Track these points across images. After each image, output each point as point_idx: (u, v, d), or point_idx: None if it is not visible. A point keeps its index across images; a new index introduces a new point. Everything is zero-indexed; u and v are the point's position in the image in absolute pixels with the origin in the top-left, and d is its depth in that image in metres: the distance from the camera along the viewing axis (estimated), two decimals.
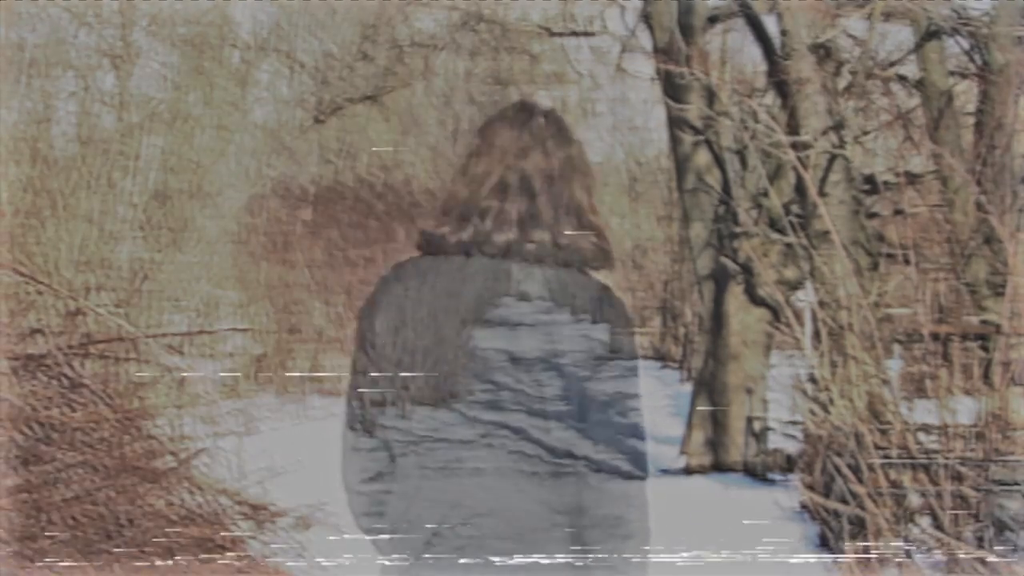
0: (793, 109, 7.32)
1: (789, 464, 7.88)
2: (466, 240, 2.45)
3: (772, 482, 7.93)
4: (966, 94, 8.52)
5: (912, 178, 8.13)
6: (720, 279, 8.41)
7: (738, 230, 8.10)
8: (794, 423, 7.46)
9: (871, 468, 5.72)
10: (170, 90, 11.38)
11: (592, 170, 2.48)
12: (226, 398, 9.43)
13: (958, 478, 5.60)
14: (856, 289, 6.39)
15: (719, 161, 8.32)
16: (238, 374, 10.58)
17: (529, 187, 2.42)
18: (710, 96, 8.15)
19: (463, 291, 2.49)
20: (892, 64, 8.29)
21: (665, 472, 8.23)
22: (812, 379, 6.46)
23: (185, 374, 6.95)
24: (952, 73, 8.11)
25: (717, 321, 8.43)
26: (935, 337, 6.24)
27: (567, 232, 2.42)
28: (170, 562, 5.15)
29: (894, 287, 6.94)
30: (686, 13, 8.23)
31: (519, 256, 2.44)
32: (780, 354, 8.35)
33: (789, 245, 7.64)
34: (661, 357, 12.70)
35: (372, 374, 2.55)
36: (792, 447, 7.77)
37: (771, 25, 7.90)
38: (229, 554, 5.39)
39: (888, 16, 7.76)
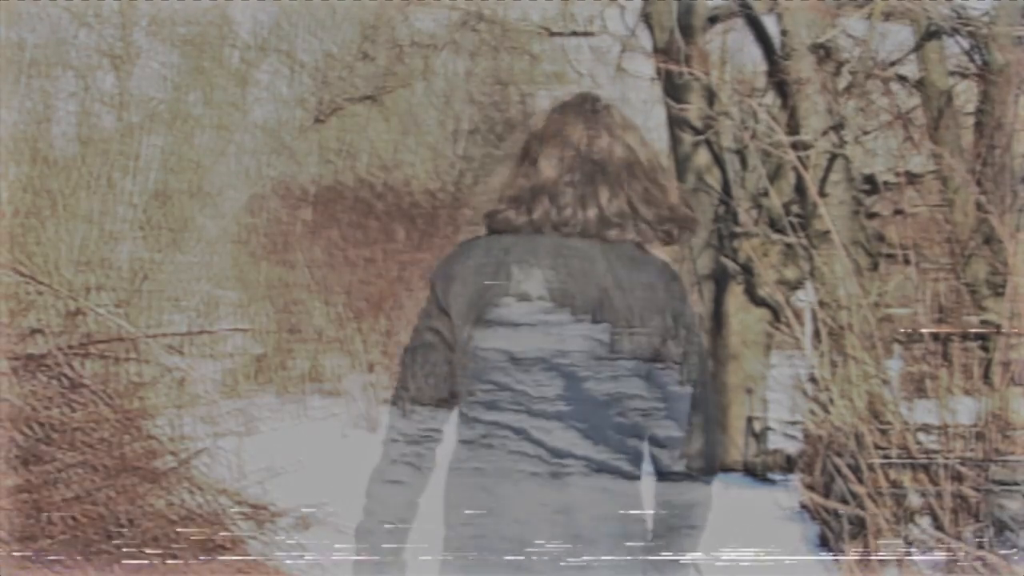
0: (793, 109, 7.32)
1: (789, 464, 7.88)
2: (537, 219, 2.48)
3: (772, 482, 7.93)
4: (966, 94, 8.52)
5: (912, 178, 8.13)
6: (720, 279, 8.42)
7: (738, 230, 8.10)
8: (794, 423, 7.47)
9: (871, 468, 5.72)
10: (170, 90, 11.38)
11: (657, 152, 2.54)
12: (226, 398, 9.43)
13: (958, 478, 5.60)
14: (856, 289, 6.39)
15: (719, 161, 8.32)
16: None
17: (604, 169, 2.47)
18: (710, 96, 8.15)
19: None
20: (892, 64, 8.29)
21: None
22: (812, 379, 6.46)
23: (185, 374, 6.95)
24: (952, 73, 8.10)
25: (717, 321, 8.44)
26: (935, 337, 6.24)
27: (672, 202, 2.48)
28: (170, 562, 5.15)
29: (894, 287, 6.94)
30: (686, 13, 8.23)
31: (598, 235, 2.47)
32: (780, 354, 8.35)
33: (789, 245, 7.64)
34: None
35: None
36: (792, 447, 7.78)
37: (771, 25, 7.90)
38: (229, 554, 5.39)
39: (888, 16, 7.75)
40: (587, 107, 2.55)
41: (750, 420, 8.24)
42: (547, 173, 2.48)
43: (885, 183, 7.89)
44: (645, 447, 2.80)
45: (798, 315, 6.96)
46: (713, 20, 8.65)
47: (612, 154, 2.48)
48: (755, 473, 8.12)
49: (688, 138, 8.30)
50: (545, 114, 2.58)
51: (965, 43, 7.94)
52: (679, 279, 2.53)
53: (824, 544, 6.23)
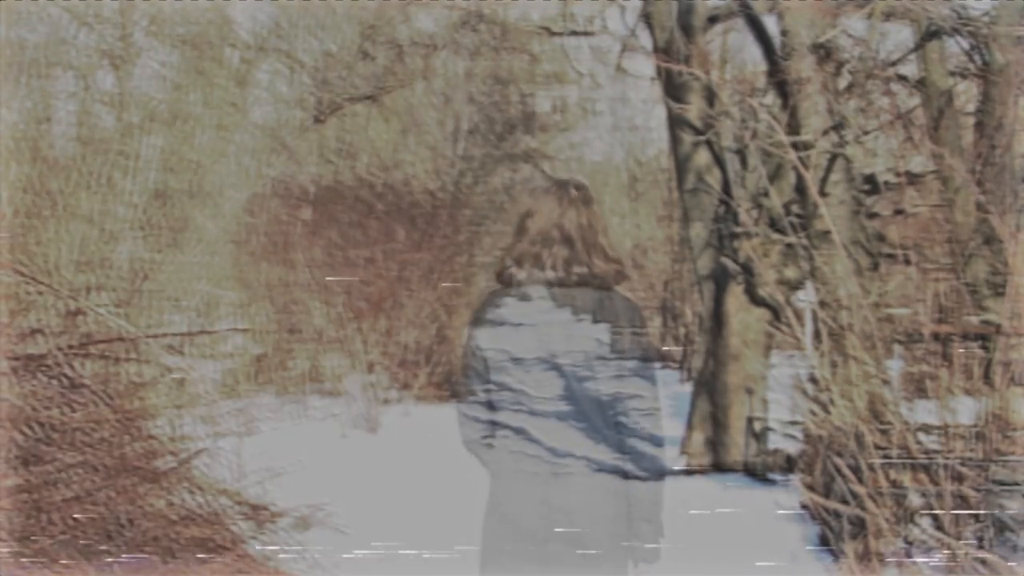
0: (793, 109, 7.32)
1: (789, 464, 7.88)
2: (527, 276, 3.27)
3: (772, 482, 7.93)
4: (966, 94, 8.52)
5: (912, 178, 8.13)
6: (720, 279, 8.41)
7: (738, 230, 8.09)
8: (794, 423, 7.46)
9: (871, 468, 5.72)
10: (170, 90, 11.38)
11: (605, 222, 3.47)
12: (226, 398, 9.43)
13: (958, 478, 5.60)
14: (856, 289, 6.39)
15: (719, 161, 8.31)
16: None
17: (568, 237, 3.32)
18: (710, 96, 8.15)
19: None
20: (892, 64, 8.29)
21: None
22: (812, 379, 6.46)
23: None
24: (952, 73, 8.10)
25: (717, 321, 8.43)
26: (935, 337, 6.24)
27: (597, 264, 3.33)
28: (170, 562, 5.15)
29: (894, 287, 6.93)
30: (686, 13, 8.23)
31: (564, 285, 3.21)
32: (780, 354, 8.35)
33: (789, 245, 7.63)
34: (661, 357, 12.72)
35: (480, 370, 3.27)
36: (792, 447, 7.77)
37: (771, 25, 7.90)
38: (229, 554, 5.38)
39: (888, 16, 7.75)
40: (559, 191, 3.44)
41: (750, 420, 8.24)
42: (532, 242, 3.34)
43: (885, 183, 7.88)
44: (645, 446, 2.82)
45: (798, 315, 6.96)
46: (713, 20, 8.65)
47: (577, 225, 3.38)
48: (755, 473, 8.12)
49: (688, 138, 8.29)
50: (533, 195, 3.46)
51: (965, 43, 7.94)
52: (638, 308, 3.34)
53: (824, 544, 6.23)
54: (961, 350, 6.23)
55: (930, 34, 7.80)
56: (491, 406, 2.84)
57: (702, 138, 8.20)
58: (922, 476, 5.71)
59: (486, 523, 3.01)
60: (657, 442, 2.97)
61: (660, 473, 3.04)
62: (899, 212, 7.95)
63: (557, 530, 2.78)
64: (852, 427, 5.82)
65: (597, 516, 2.81)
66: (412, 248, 10.94)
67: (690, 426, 8.52)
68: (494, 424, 3.00)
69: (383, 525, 6.37)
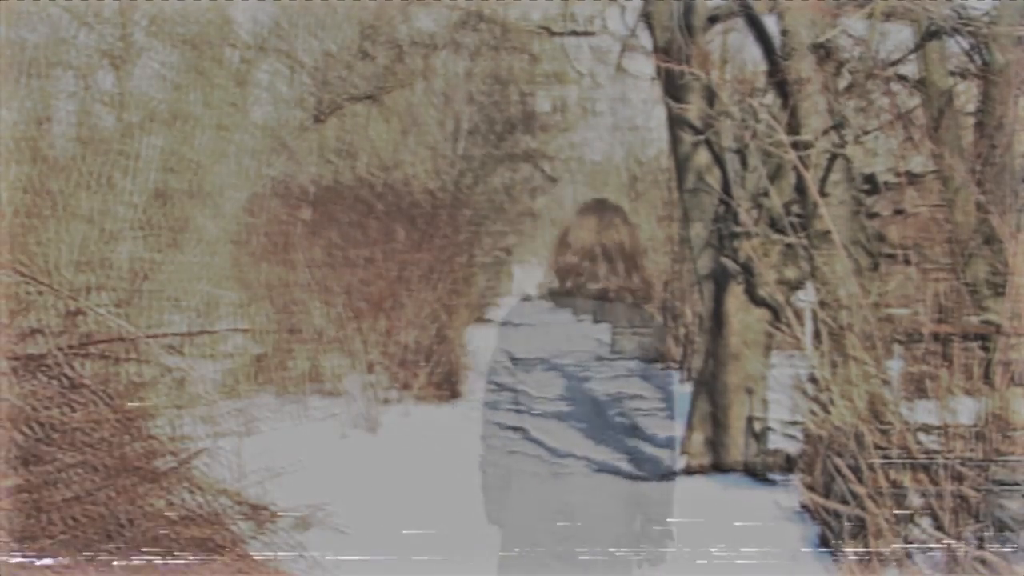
0: (794, 109, 7.33)
1: (789, 464, 7.88)
2: (568, 289, 3.53)
3: (772, 482, 7.93)
4: (966, 94, 8.52)
5: (912, 178, 8.13)
6: (720, 279, 8.41)
7: (738, 230, 8.10)
8: (794, 423, 7.47)
9: (871, 468, 5.73)
10: (170, 90, 11.39)
11: (641, 239, 3.75)
12: (226, 398, 9.43)
13: (958, 478, 5.61)
14: (856, 289, 6.40)
15: (719, 161, 8.32)
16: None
17: (608, 254, 3.49)
18: (710, 96, 8.15)
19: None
20: (893, 64, 8.29)
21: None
22: (812, 379, 6.47)
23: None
24: (952, 73, 8.11)
25: (717, 321, 8.43)
26: (935, 337, 6.24)
27: (632, 280, 3.53)
28: (170, 562, 5.15)
29: (894, 287, 6.94)
30: (686, 13, 8.23)
31: (603, 298, 3.53)
32: (780, 354, 8.35)
33: (789, 245, 7.64)
34: (661, 357, 12.71)
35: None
36: (792, 447, 7.78)
37: (771, 25, 7.90)
38: (229, 554, 5.39)
39: (888, 16, 7.75)
40: (601, 209, 3.70)
41: (750, 420, 8.24)
42: (574, 257, 3.56)
43: (885, 183, 7.89)
44: (645, 446, 2.86)
45: (798, 315, 6.97)
46: (713, 20, 8.65)
47: (615, 242, 3.59)
48: (755, 473, 8.12)
49: (688, 138, 8.30)
50: (575, 212, 3.82)
51: (966, 43, 7.94)
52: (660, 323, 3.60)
53: (824, 544, 6.23)
54: (961, 350, 6.24)
55: (930, 34, 7.80)
56: (495, 406, 2.86)
57: (702, 138, 8.20)
58: (922, 476, 5.71)
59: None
60: (663, 443, 2.98)
61: (669, 474, 3.04)
62: (899, 212, 7.95)
63: (564, 531, 2.77)
64: (852, 427, 5.83)
65: (602, 516, 2.81)
66: (412, 248, 10.94)
67: (690, 426, 8.51)
68: (499, 424, 3.01)
69: (383, 525, 6.37)
